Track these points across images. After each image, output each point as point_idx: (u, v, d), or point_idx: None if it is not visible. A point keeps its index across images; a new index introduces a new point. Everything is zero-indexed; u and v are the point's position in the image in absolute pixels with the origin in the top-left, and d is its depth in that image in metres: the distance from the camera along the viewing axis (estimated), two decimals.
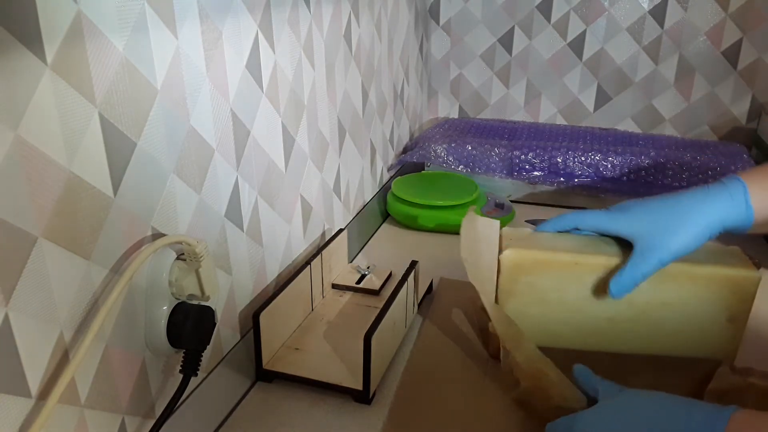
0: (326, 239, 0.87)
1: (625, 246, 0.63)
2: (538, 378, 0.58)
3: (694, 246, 0.58)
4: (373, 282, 0.86)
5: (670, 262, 0.59)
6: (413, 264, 0.80)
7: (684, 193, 0.60)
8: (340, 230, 0.87)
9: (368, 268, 0.89)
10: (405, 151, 1.30)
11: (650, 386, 0.54)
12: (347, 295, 0.85)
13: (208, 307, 0.55)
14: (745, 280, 0.62)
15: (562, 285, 0.65)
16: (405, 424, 0.64)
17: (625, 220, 0.62)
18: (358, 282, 0.86)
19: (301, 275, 0.75)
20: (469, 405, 0.66)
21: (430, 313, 0.84)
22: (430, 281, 0.89)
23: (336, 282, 0.86)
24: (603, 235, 0.66)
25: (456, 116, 1.48)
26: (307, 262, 0.77)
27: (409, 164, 1.25)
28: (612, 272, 0.62)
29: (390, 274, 0.89)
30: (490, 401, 0.67)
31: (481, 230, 0.67)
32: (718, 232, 0.58)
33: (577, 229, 0.68)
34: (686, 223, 0.57)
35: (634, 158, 1.14)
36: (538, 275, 0.65)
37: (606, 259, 0.63)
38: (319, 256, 0.80)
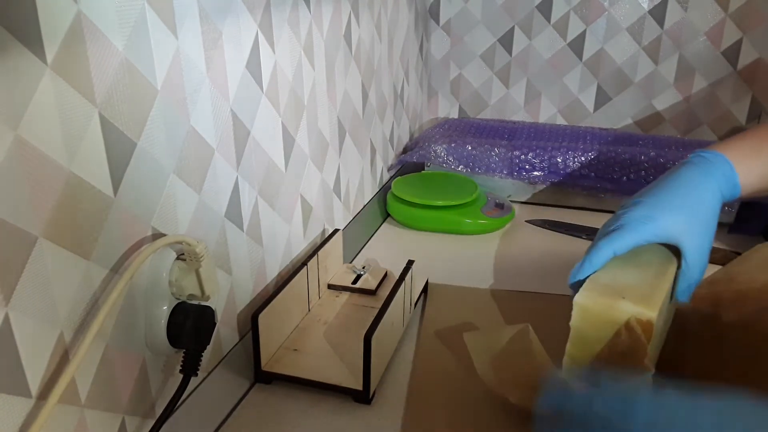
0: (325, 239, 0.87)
1: (661, 244, 0.62)
2: None
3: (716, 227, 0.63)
4: (368, 282, 0.86)
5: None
6: (409, 264, 0.80)
7: (689, 181, 0.63)
8: (336, 231, 0.87)
9: (363, 268, 0.89)
10: (405, 151, 1.30)
11: None
12: (343, 296, 0.85)
13: (208, 307, 0.55)
14: None
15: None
16: (421, 426, 0.64)
17: (664, 227, 0.61)
18: (354, 282, 0.86)
19: (297, 276, 0.75)
20: (484, 401, 0.67)
21: (427, 312, 0.84)
22: (425, 281, 0.89)
23: (332, 282, 0.86)
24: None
25: (456, 116, 1.48)
26: (304, 263, 0.77)
27: (409, 164, 1.25)
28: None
29: (386, 274, 0.89)
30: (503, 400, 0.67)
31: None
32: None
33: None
34: (709, 212, 0.62)
35: (634, 158, 1.14)
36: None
37: (673, 270, 0.60)
38: (315, 256, 0.80)
